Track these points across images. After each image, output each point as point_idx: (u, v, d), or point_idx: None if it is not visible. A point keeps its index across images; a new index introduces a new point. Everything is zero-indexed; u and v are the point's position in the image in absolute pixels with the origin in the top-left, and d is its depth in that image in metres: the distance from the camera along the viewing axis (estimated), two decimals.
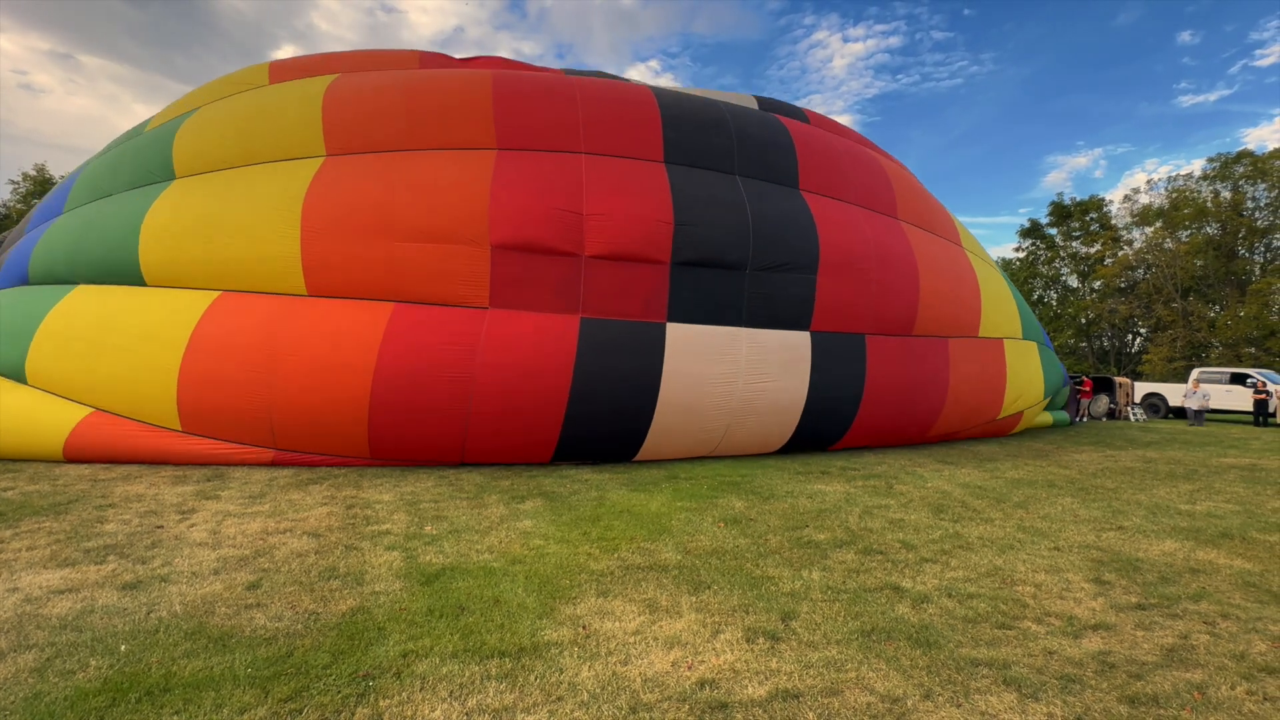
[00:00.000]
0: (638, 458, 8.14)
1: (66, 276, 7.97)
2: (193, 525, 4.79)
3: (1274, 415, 17.64)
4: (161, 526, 4.74)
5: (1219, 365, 28.92)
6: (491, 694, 2.53)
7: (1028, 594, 3.79)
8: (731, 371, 8.06)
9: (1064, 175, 70.61)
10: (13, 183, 36.40)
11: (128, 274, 7.58)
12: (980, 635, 3.19)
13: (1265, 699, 2.61)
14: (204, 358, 6.88)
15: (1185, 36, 65.60)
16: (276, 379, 6.81)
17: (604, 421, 7.59)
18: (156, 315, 7.20)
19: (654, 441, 7.96)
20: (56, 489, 5.80)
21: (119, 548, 4.23)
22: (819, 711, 2.46)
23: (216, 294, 7.25)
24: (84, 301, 7.57)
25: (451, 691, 2.53)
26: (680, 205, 7.91)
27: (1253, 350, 33.36)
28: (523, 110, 7.95)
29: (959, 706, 2.51)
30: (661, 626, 3.22)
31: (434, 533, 4.80)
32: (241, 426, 6.97)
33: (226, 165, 7.79)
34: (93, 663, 2.69)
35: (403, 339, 6.93)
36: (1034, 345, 12.84)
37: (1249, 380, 19.52)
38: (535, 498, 6.05)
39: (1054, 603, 3.66)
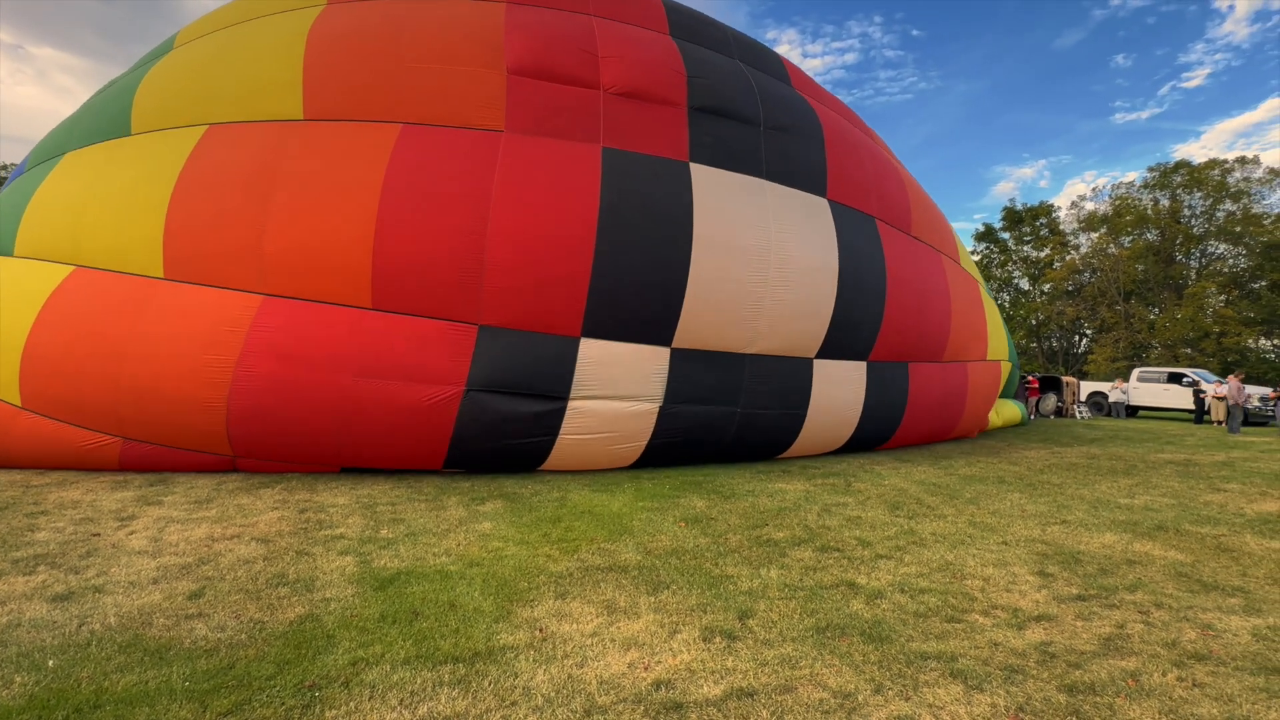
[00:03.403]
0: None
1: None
2: (132, 533, 4.58)
3: (1208, 413, 18.59)
4: (98, 534, 4.52)
5: (1158, 365, 30.37)
6: (444, 701, 2.48)
7: (976, 588, 3.90)
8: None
9: (1012, 185, 74.40)
10: None
11: (118, 129, 7.28)
12: (930, 629, 3.27)
13: (1194, 685, 2.74)
14: (195, 188, 6.53)
15: (1120, 59, 69.76)
16: (270, 210, 6.41)
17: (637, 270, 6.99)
18: (146, 154, 6.92)
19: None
20: None
21: (50, 557, 4.01)
22: (773, 709, 2.48)
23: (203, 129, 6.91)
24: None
25: (402, 700, 2.48)
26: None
27: (1189, 351, 35.12)
28: None
29: (908, 700, 2.57)
30: (619, 627, 3.21)
31: (390, 536, 4.69)
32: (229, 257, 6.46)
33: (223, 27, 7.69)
34: (17, 679, 2.54)
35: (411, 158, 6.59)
36: (1011, 366, 13.71)
37: (1185, 379, 20.53)
38: (496, 499, 5.98)
39: (1000, 595, 3.77)
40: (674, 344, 7.38)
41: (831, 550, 4.62)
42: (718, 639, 3.10)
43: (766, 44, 10.24)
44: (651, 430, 7.39)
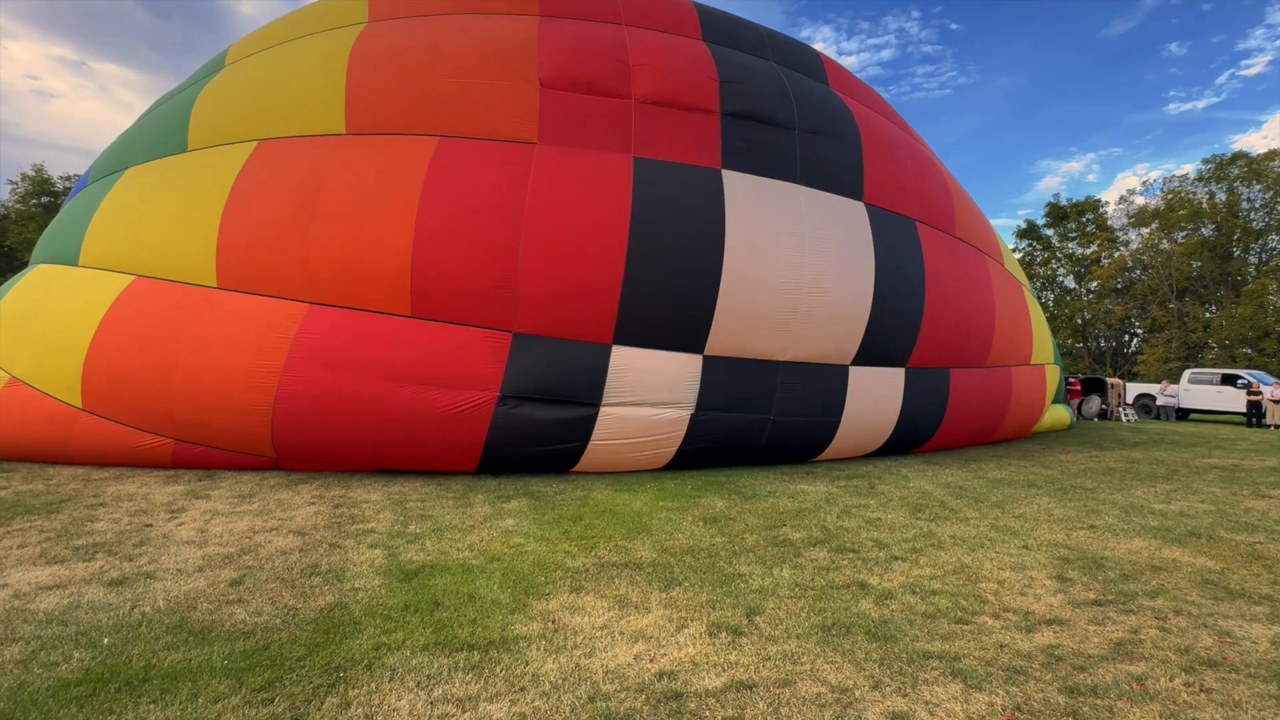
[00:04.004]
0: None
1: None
2: (181, 524, 4.90)
3: (1264, 416, 17.75)
4: (150, 525, 4.85)
5: (1214, 366, 29.06)
6: (458, 684, 2.64)
7: (989, 591, 3.90)
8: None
9: (1058, 180, 71.96)
10: (11, 183, 36.59)
11: (175, 145, 7.73)
12: (937, 630, 3.30)
13: (1201, 690, 2.72)
14: (245, 201, 6.92)
15: (1173, 48, 67.16)
16: (315, 221, 6.74)
17: (665, 279, 7.09)
18: (201, 169, 7.33)
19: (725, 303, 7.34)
20: (49, 488, 5.90)
21: (107, 545, 4.34)
22: (769, 701, 2.57)
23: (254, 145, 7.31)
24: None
25: (419, 682, 2.64)
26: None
27: (1248, 351, 33.50)
28: None
29: (905, 696, 2.62)
30: (629, 621, 3.33)
31: (417, 531, 4.91)
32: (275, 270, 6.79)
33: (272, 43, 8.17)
34: (76, 655, 2.80)
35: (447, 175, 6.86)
36: (1058, 369, 13.38)
37: (1240, 381, 19.64)
38: (521, 497, 6.16)
39: (1014, 599, 3.77)
40: (706, 351, 7.45)
41: (847, 551, 4.65)
42: (724, 634, 3.19)
43: (802, 42, 10.16)
44: (683, 437, 7.48)
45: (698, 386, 7.39)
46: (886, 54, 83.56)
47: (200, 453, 6.87)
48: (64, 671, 2.66)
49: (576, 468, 7.39)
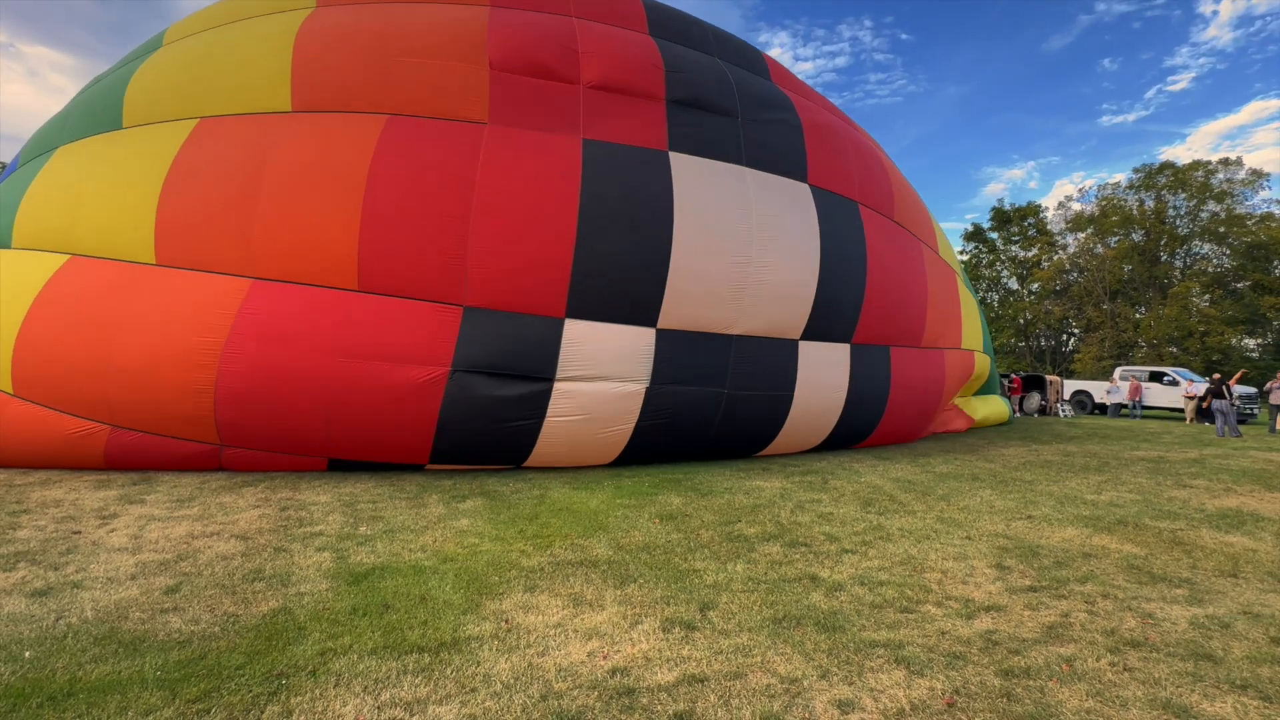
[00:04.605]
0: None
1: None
2: (113, 530, 4.66)
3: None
4: (79, 532, 4.59)
5: (1143, 364, 30.76)
6: (406, 688, 2.59)
7: (933, 580, 4.04)
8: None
9: (1002, 186, 75.37)
10: None
11: (110, 123, 7.42)
12: (883, 619, 3.40)
13: (1125, 669, 2.88)
14: (186, 177, 6.76)
15: (1106, 63, 71.16)
16: (259, 197, 6.62)
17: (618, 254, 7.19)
18: (138, 146, 7.08)
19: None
20: None
21: (30, 554, 4.09)
22: (720, 694, 2.61)
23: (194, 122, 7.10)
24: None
25: (366, 687, 2.58)
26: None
27: (1174, 350, 35.55)
28: None
29: (851, 684, 2.69)
30: (583, 619, 3.32)
31: (368, 533, 4.79)
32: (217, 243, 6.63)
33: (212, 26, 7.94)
34: None
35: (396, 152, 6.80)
36: (988, 358, 13.85)
37: (1166, 378, 20.81)
38: (476, 497, 6.08)
39: (956, 587, 3.91)
40: (659, 325, 7.52)
41: (799, 545, 4.75)
42: (677, 629, 3.22)
43: (759, 47, 10.43)
44: (639, 413, 7.47)
45: (651, 359, 7.44)
46: (840, 60, 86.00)
47: (136, 441, 6.52)
48: None
49: (533, 455, 7.31)
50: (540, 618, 3.32)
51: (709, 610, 3.47)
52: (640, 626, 3.24)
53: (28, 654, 2.78)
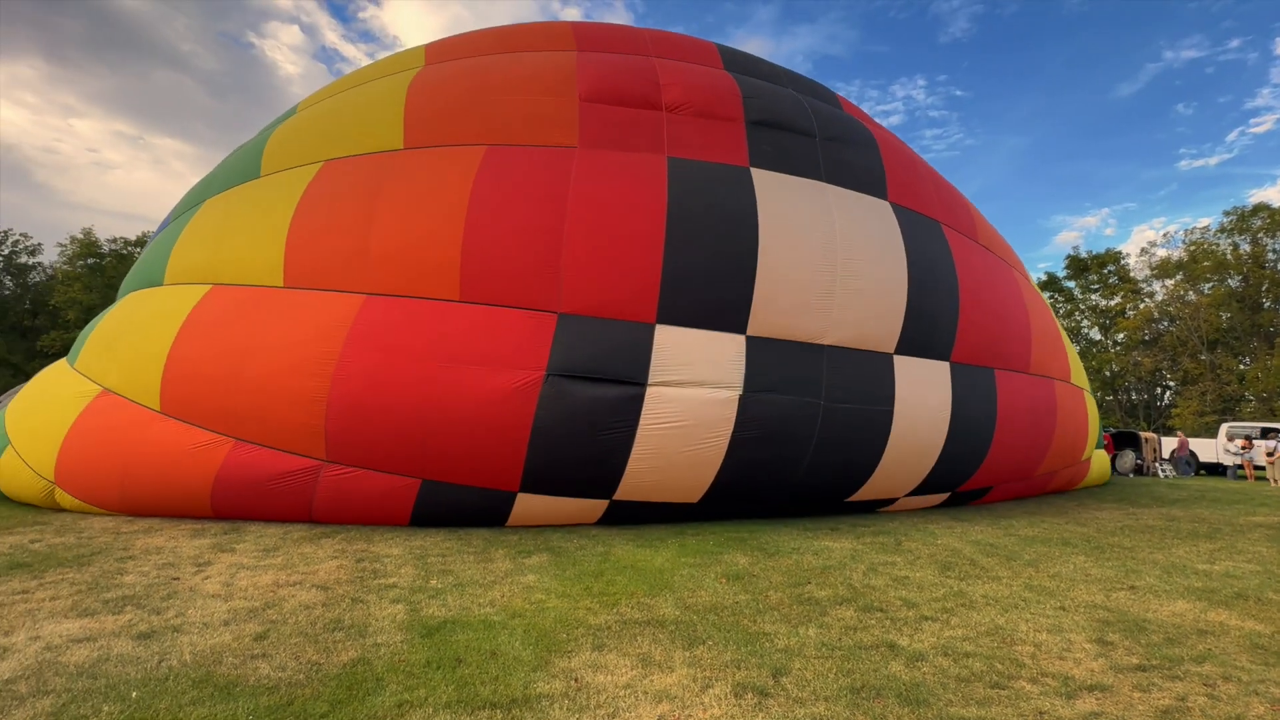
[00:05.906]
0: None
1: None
2: (207, 577, 4.95)
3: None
4: (178, 578, 4.90)
5: (1251, 420, 28.16)
6: None
7: (1026, 654, 3.76)
8: None
9: (1075, 234, 72.65)
10: (60, 245, 38.54)
11: (250, 174, 8.45)
12: (972, 694, 3.18)
13: None
14: (311, 208, 7.56)
15: (1180, 108, 68.78)
16: (374, 221, 7.30)
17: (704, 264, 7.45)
18: (273, 187, 7.99)
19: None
20: (81, 541, 6.02)
21: (136, 598, 4.39)
22: None
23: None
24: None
25: None
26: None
27: None
28: (598, 33, 9.31)
29: None
30: (652, 680, 3.26)
31: (439, 586, 4.89)
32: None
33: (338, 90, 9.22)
34: (105, 708, 2.82)
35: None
36: (1093, 400, 13.09)
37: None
38: (541, 553, 6.12)
39: (1052, 663, 3.63)
40: (749, 331, 7.56)
41: (874, 610, 4.53)
42: (749, 695, 3.11)
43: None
44: (733, 422, 7.30)
45: (743, 366, 7.41)
46: (895, 119, 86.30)
47: (249, 455, 6.90)
48: None
49: (625, 478, 7.19)
50: (610, 677, 3.29)
51: (781, 676, 3.34)
52: (711, 690, 3.16)
53: (135, 694, 2.97)
